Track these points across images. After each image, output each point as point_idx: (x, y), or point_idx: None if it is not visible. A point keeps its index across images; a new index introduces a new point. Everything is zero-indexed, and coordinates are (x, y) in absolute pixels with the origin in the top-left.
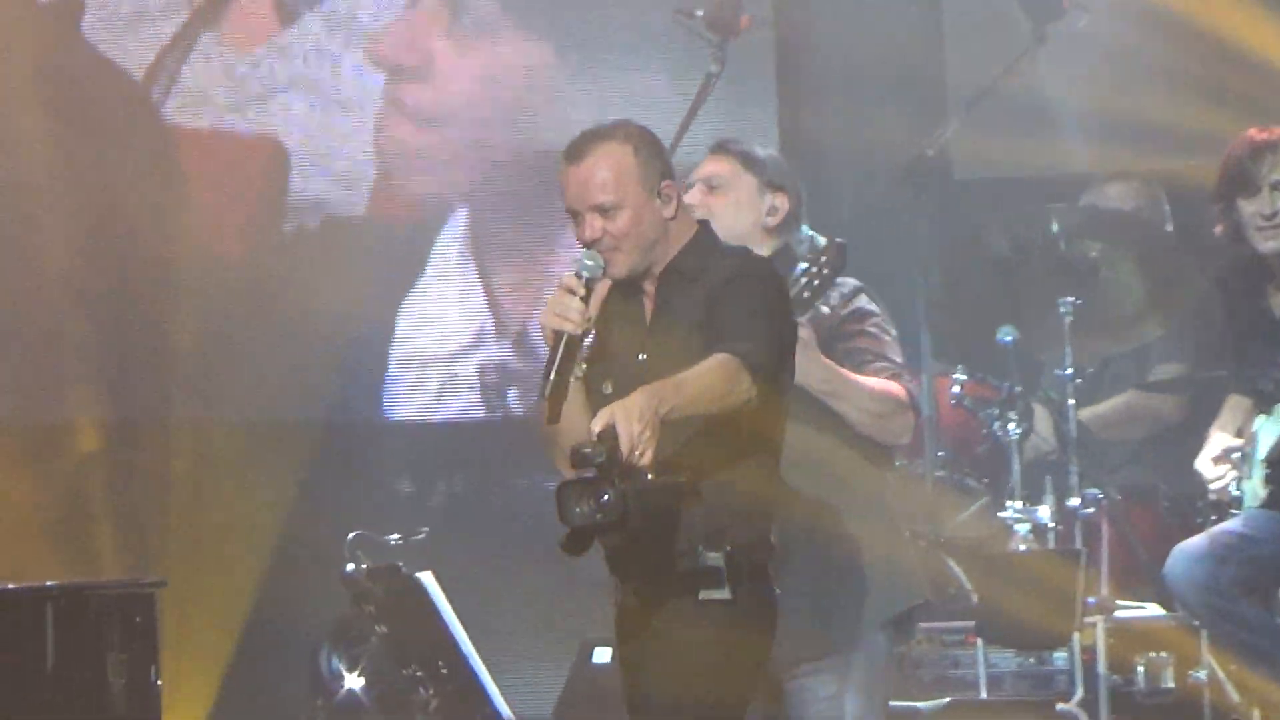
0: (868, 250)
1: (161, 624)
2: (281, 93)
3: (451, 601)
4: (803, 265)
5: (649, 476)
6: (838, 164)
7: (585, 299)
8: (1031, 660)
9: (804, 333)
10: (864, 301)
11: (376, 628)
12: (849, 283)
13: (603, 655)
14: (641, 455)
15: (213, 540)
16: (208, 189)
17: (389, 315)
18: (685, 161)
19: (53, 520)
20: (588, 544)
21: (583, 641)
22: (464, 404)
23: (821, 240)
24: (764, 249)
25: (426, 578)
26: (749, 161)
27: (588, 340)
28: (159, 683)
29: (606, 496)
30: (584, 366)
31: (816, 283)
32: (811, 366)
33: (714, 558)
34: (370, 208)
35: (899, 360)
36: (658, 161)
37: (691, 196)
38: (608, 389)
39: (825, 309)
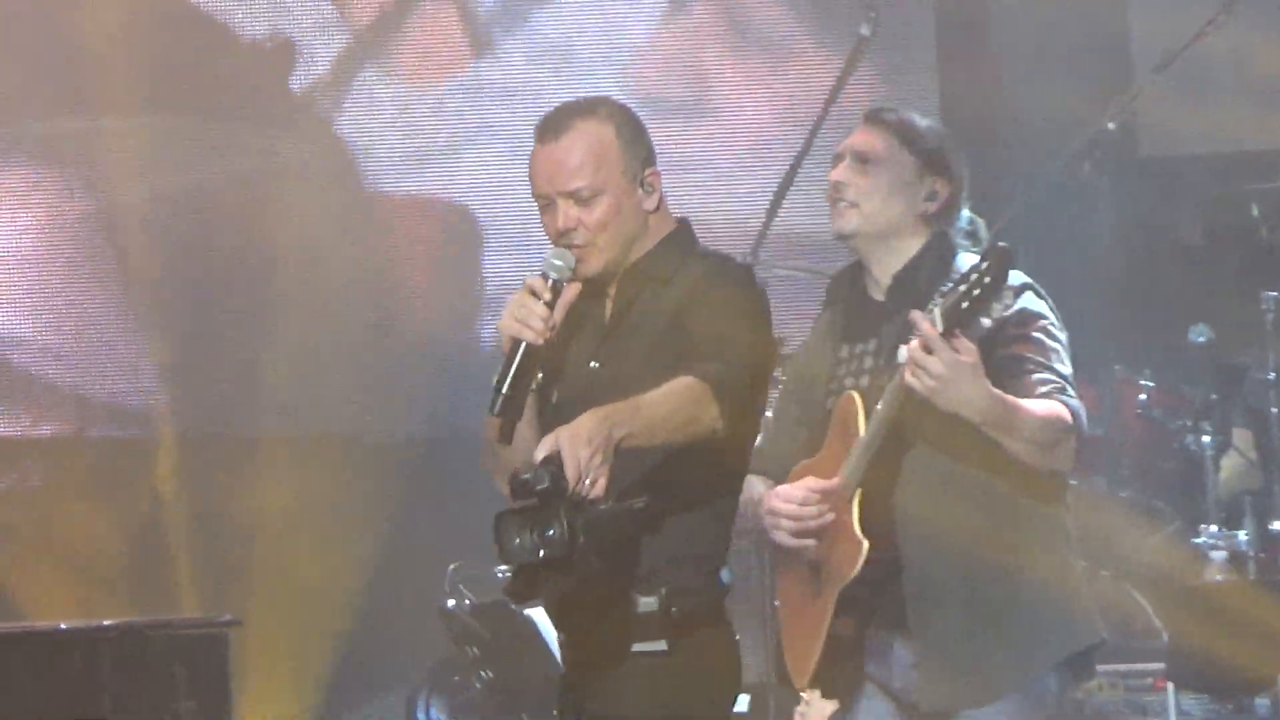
0: (1039, 239)
1: (237, 667)
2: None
3: None
4: (960, 273)
5: (601, 507)
6: (1005, 139)
7: (550, 304)
8: (1230, 708)
9: (967, 357)
10: (1030, 301)
11: (481, 672)
12: (1014, 278)
13: (741, 705)
14: (592, 484)
15: (297, 573)
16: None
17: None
18: (828, 142)
19: (126, 552)
20: (538, 587)
21: None
22: None
23: (983, 230)
24: (915, 239)
25: (538, 615)
26: (908, 135)
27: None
28: None
29: (552, 530)
30: (539, 377)
31: (977, 293)
32: (975, 396)
33: (647, 603)
34: (484, 216)
35: (1066, 372)
36: (642, 145)
37: (837, 172)
38: (554, 399)
39: (985, 320)
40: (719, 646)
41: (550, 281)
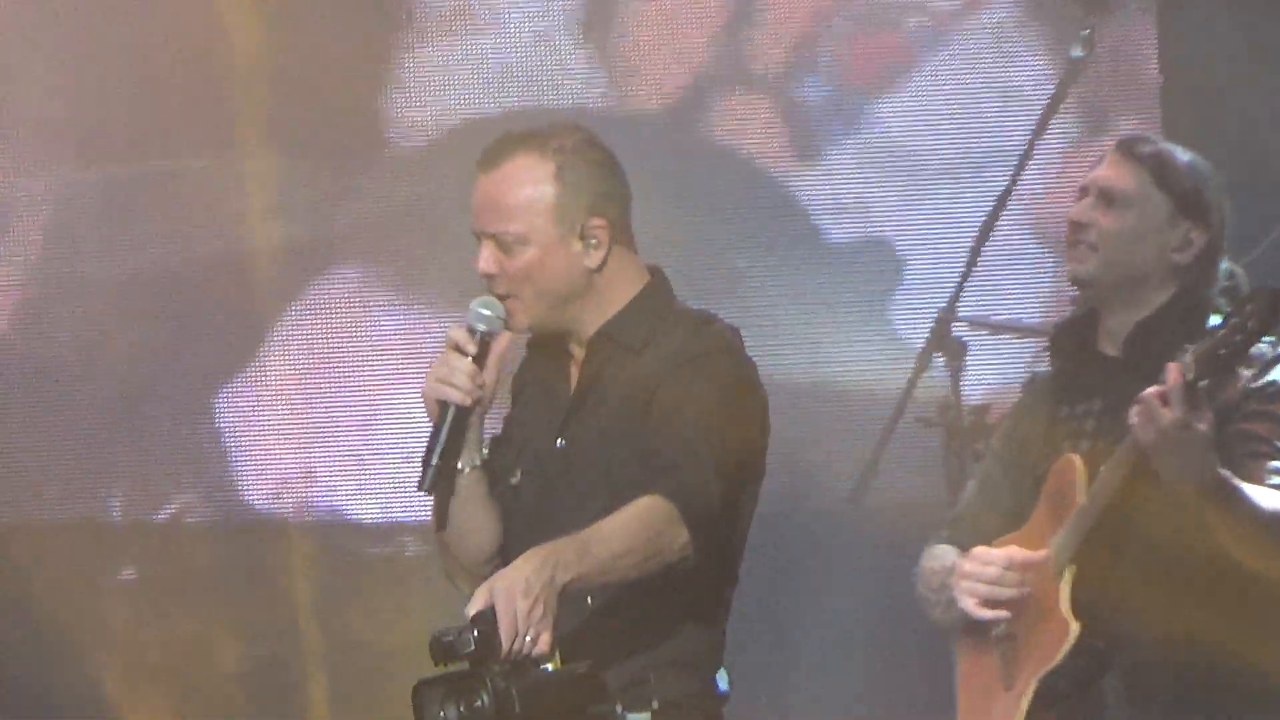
0: None
1: None
2: None
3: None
4: (1219, 319)
5: (547, 667)
6: (1241, 173)
7: (479, 358)
8: None
9: (1202, 424)
10: None
11: None
12: (1263, 347)
13: None
14: (534, 642)
15: None
16: None
17: None
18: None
19: (254, 656)
20: None
21: None
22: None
23: (1244, 283)
24: (1162, 291)
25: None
26: (1163, 173)
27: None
28: None
29: (480, 700)
30: (484, 451)
31: (1239, 339)
32: (1197, 466)
33: (638, 719)
34: None
35: None
36: (588, 190)
37: (1078, 210)
38: (515, 478)
39: (1244, 371)
40: None
41: (477, 334)
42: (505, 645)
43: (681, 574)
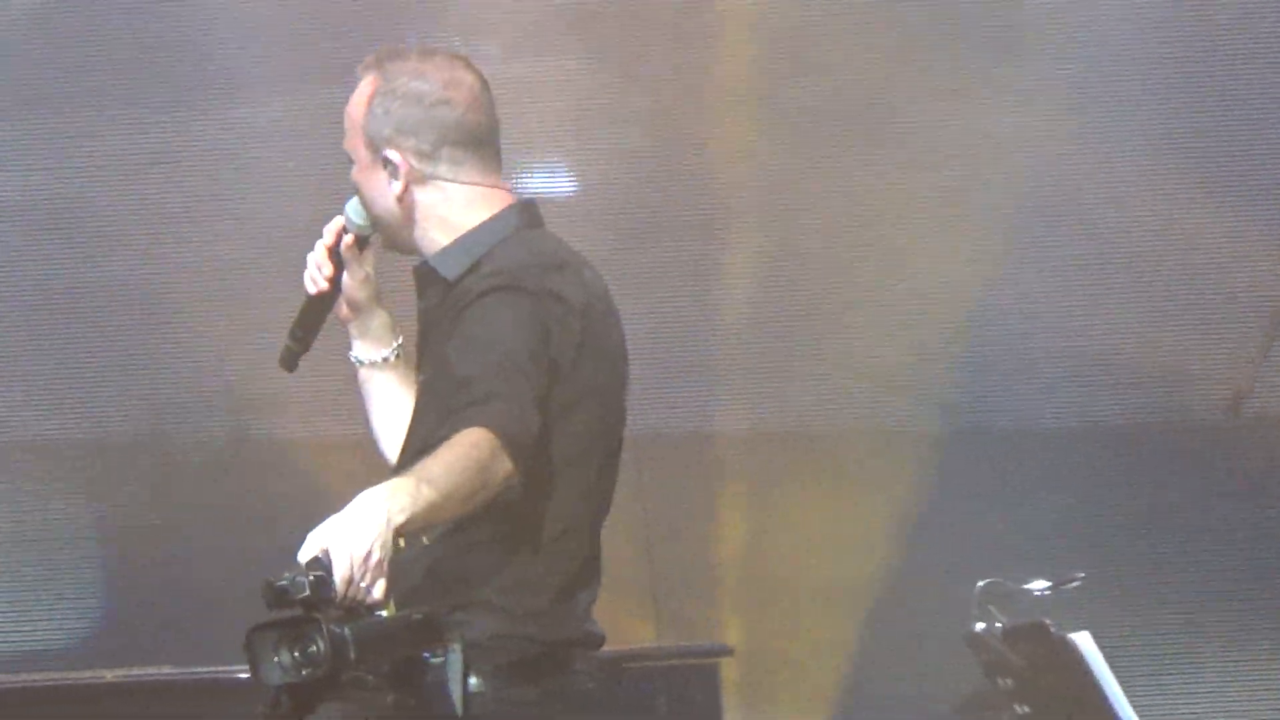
0: None
1: (728, 702)
2: None
3: (1118, 672)
4: None
5: (382, 614)
6: None
7: (333, 250)
8: None
9: None
10: None
11: (1016, 707)
12: None
13: None
14: (369, 587)
15: (793, 590)
16: None
17: (1035, 308)
18: None
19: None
20: (309, 708)
21: None
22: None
23: None
24: None
25: (1083, 640)
26: None
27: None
28: None
29: (314, 646)
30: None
31: None
32: None
33: (438, 663)
34: None
35: None
36: (393, 120)
37: None
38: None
39: None
40: (549, 709)
41: (344, 229)
42: (341, 591)
43: (500, 511)
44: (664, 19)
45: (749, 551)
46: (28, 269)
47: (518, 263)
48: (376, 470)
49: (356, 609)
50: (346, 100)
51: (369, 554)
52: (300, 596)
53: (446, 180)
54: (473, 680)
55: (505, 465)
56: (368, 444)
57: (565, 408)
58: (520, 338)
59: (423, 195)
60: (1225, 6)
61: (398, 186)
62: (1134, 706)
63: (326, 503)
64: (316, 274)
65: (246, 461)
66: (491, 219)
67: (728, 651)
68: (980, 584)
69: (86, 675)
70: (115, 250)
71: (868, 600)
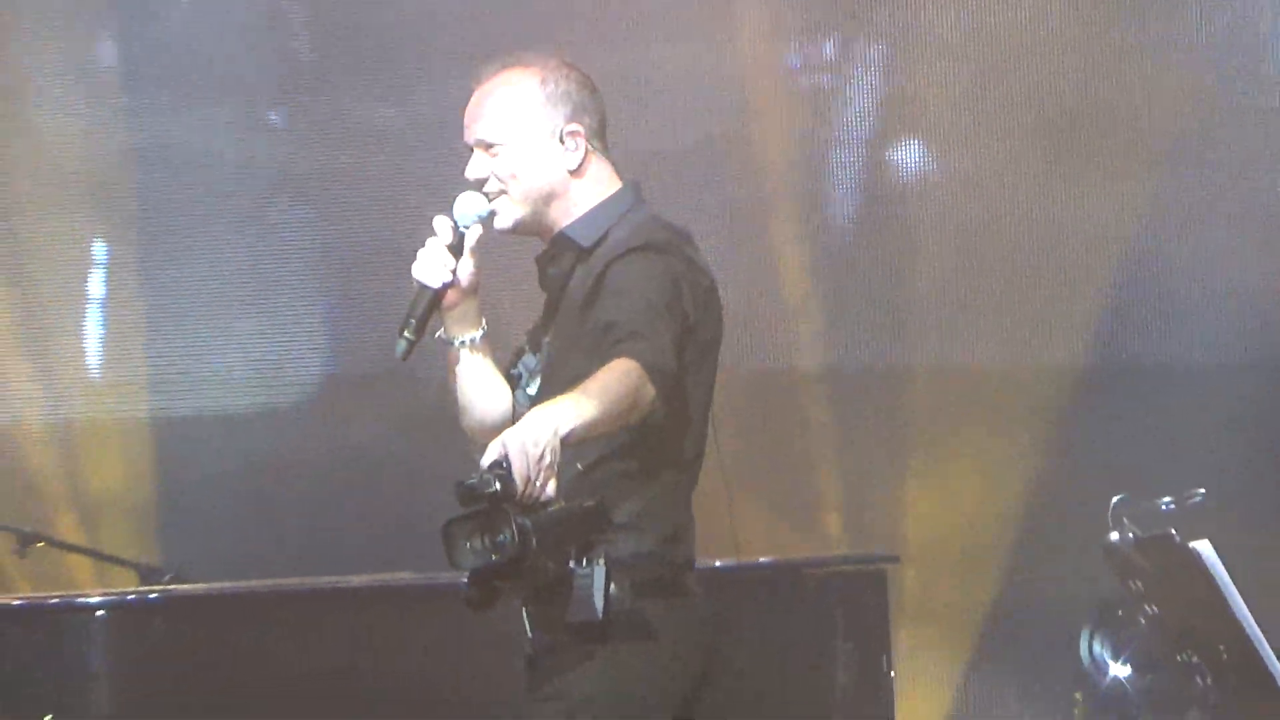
0: None
1: (894, 607)
2: None
3: (1235, 576)
4: None
5: (551, 509)
6: None
7: (455, 247)
8: None
9: None
10: None
11: (1146, 607)
12: None
13: None
14: (542, 487)
15: (953, 506)
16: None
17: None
18: None
19: (780, 479)
20: (497, 593)
21: None
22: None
23: None
24: None
25: (1204, 548)
26: None
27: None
28: (892, 674)
29: (503, 535)
30: (481, 331)
31: None
32: None
33: (584, 576)
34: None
35: None
36: (567, 101)
37: None
38: (516, 373)
39: None
40: (662, 620)
41: (454, 225)
42: (520, 488)
43: (653, 436)
44: None
45: (921, 476)
46: (315, 229)
47: (650, 230)
48: None
49: (533, 505)
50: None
51: (541, 456)
52: (488, 492)
53: (598, 157)
54: (613, 590)
55: (650, 391)
56: None
57: (694, 357)
58: (658, 289)
59: (588, 168)
60: None
61: (575, 160)
62: (1245, 604)
63: None
64: (439, 269)
65: None
66: (616, 194)
67: (895, 559)
68: (1114, 499)
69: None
70: (387, 214)
71: (1018, 518)
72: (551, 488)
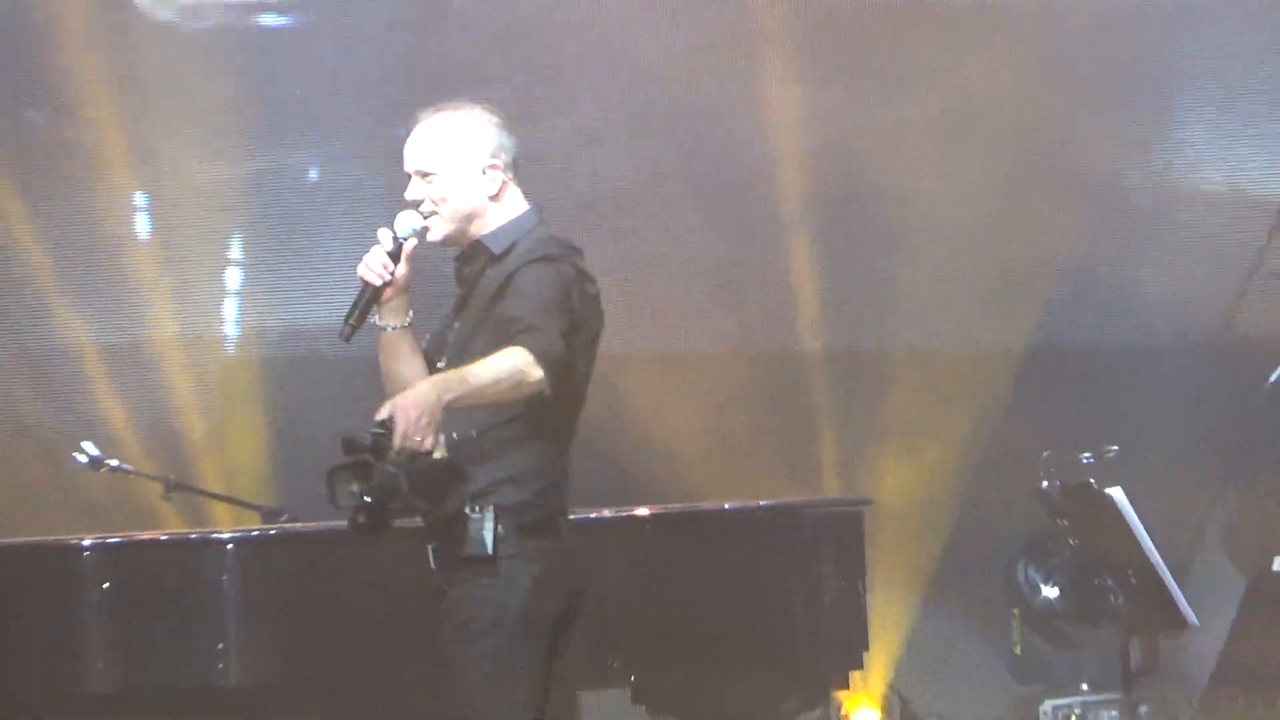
0: None
1: (869, 541)
2: None
3: (1140, 515)
4: None
5: (430, 459)
6: None
7: (393, 254)
8: None
9: None
10: None
11: (1070, 541)
12: None
13: None
14: (422, 441)
15: (917, 460)
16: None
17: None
18: None
19: (778, 441)
20: (383, 525)
21: (1262, 547)
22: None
23: None
24: None
25: (1117, 493)
26: None
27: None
28: (866, 593)
29: (373, 481)
30: (408, 320)
31: None
32: None
33: (476, 520)
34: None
35: None
36: (489, 140)
37: None
38: (432, 352)
39: None
40: (538, 556)
41: (394, 236)
42: (397, 443)
43: (538, 408)
44: None
45: (892, 439)
46: None
47: (549, 245)
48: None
49: (415, 457)
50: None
51: (420, 418)
52: (364, 445)
53: (512, 185)
54: (500, 530)
55: (537, 373)
56: None
57: (577, 346)
58: (553, 292)
59: (504, 194)
60: None
61: (494, 188)
62: (1149, 538)
63: None
64: (381, 270)
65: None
66: (524, 214)
67: (869, 501)
68: (1045, 454)
69: None
70: None
71: (968, 471)
72: (430, 443)
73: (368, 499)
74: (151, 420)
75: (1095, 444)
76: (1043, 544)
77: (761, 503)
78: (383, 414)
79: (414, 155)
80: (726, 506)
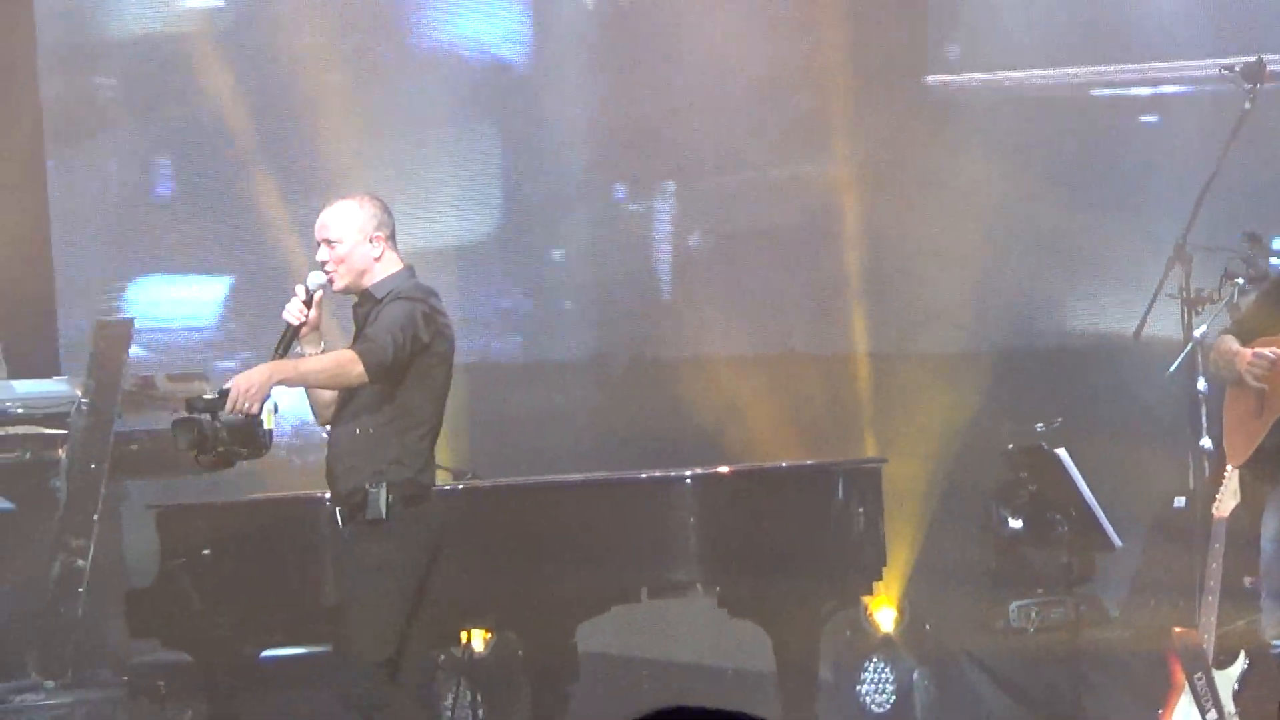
0: None
1: (885, 492)
2: None
3: (1081, 469)
4: None
5: (251, 418)
6: None
7: (307, 302)
8: None
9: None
10: None
11: (1030, 488)
12: None
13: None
14: (250, 407)
15: (921, 429)
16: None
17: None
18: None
19: (803, 416)
20: (222, 461)
21: (1165, 488)
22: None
23: None
24: None
25: (1062, 453)
26: None
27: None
28: (883, 528)
29: (194, 432)
30: (300, 349)
31: None
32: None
33: (374, 492)
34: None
35: None
36: (374, 218)
37: None
38: None
39: None
40: (418, 523)
41: (309, 289)
42: (229, 407)
43: (411, 411)
44: None
45: (901, 418)
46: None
47: (410, 290)
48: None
49: (247, 416)
50: None
51: (250, 389)
52: (199, 407)
53: (390, 250)
54: (390, 500)
55: (357, 369)
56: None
57: (431, 364)
58: (399, 319)
59: (385, 257)
60: None
61: (378, 253)
62: (1086, 484)
63: None
64: (298, 314)
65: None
66: (400, 271)
67: (885, 460)
68: (1008, 426)
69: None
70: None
71: (956, 438)
72: (254, 408)
73: (193, 444)
74: None
75: (1047, 416)
76: (1010, 490)
77: (808, 461)
78: (226, 385)
79: (321, 227)
80: (784, 464)
